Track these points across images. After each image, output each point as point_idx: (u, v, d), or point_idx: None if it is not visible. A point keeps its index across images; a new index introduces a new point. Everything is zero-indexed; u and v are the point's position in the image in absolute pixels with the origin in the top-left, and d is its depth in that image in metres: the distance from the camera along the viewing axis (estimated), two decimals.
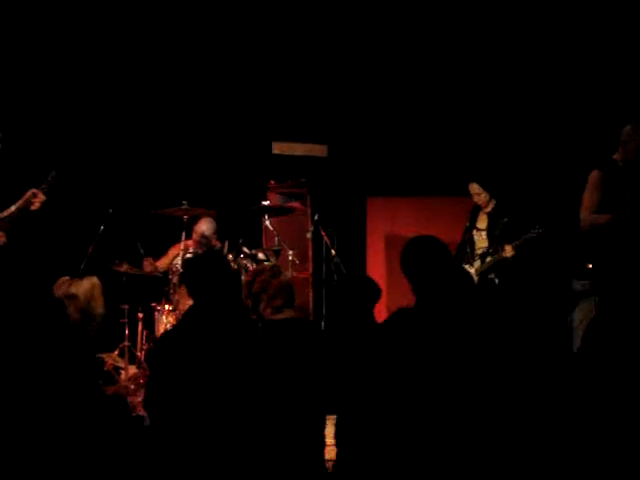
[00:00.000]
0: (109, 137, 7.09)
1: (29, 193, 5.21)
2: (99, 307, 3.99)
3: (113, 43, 6.89)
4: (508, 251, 6.14)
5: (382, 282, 8.06)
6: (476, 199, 6.40)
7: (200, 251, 6.28)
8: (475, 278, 6.31)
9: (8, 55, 6.49)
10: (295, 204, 7.26)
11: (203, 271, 3.56)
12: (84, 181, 6.81)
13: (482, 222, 6.50)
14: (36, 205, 5.22)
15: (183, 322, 3.78)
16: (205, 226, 6.49)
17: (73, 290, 4.04)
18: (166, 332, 5.23)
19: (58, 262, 5.88)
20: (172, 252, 6.51)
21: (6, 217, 5.17)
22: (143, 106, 7.19)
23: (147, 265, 6.37)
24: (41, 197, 5.23)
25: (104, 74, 6.97)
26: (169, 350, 3.38)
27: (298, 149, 7.98)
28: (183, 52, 7.17)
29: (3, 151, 5.19)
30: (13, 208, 5.21)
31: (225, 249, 6.30)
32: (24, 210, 5.22)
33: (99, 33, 6.80)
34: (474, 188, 6.40)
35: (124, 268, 6.16)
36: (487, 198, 6.36)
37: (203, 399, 3.16)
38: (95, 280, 4.26)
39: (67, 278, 4.26)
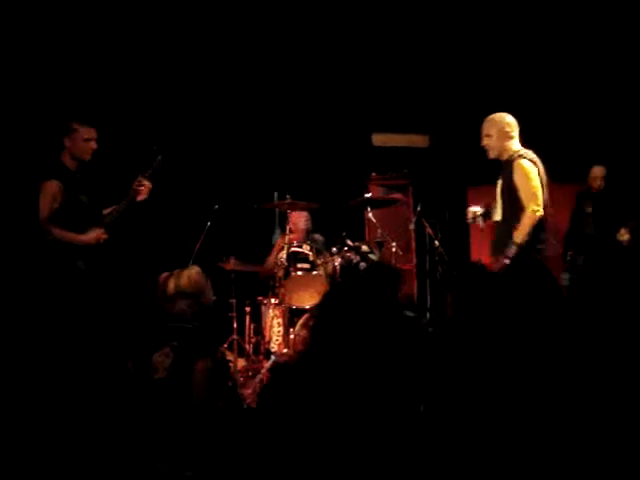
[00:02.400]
0: (213, 133, 7.23)
1: (135, 182, 5.14)
2: (208, 294, 4.06)
3: (216, 39, 7.02)
4: (623, 234, 5.98)
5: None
6: (597, 183, 6.25)
7: (303, 244, 6.37)
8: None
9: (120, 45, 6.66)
10: (397, 195, 7.24)
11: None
12: (189, 178, 6.97)
13: (589, 207, 6.36)
14: (143, 194, 5.15)
15: None
16: (303, 220, 6.62)
17: (180, 283, 4.12)
18: None
19: (165, 260, 6.03)
20: (277, 247, 6.60)
21: (112, 211, 5.13)
22: (248, 101, 7.30)
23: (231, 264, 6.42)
24: (147, 184, 5.14)
25: (207, 69, 7.10)
26: None
27: (399, 140, 7.95)
28: (281, 46, 7.23)
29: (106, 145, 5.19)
30: (122, 203, 5.15)
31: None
32: (132, 200, 5.14)
33: (196, 30, 6.94)
34: (601, 171, 6.25)
35: (231, 264, 6.28)
36: (603, 184, 6.21)
37: None
38: (197, 269, 4.34)
39: (166, 274, 4.34)
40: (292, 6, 7.07)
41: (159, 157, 5.21)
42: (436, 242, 6.83)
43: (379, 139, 7.90)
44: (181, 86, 7.03)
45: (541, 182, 4.96)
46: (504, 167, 5.13)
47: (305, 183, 7.04)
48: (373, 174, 7.72)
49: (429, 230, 6.87)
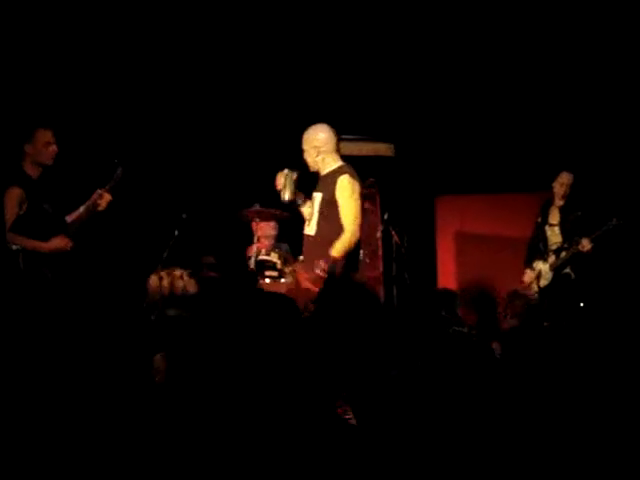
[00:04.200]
0: (179, 141, 7.20)
1: (95, 194, 5.10)
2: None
3: (189, 43, 6.99)
4: (585, 245, 6.03)
5: (453, 280, 8.05)
6: (562, 190, 6.29)
7: (272, 252, 6.36)
8: (550, 274, 6.23)
9: (73, 51, 6.59)
10: (364, 204, 7.25)
11: None
12: (157, 186, 6.93)
13: (554, 217, 6.43)
14: (102, 205, 5.10)
15: None
16: (270, 228, 6.64)
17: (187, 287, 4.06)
18: None
19: (134, 268, 5.99)
20: (247, 255, 6.59)
21: (74, 220, 5.11)
22: (212, 107, 7.28)
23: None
24: (107, 197, 5.10)
25: (177, 74, 7.07)
26: None
27: (365, 149, 7.98)
28: (252, 54, 7.23)
29: (68, 153, 5.15)
30: (81, 209, 5.13)
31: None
32: (92, 212, 5.11)
33: (181, 35, 6.91)
34: (569, 178, 6.28)
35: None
36: (569, 191, 6.27)
37: None
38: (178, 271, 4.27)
39: (157, 275, 4.26)
40: (261, 18, 7.09)
41: (119, 170, 5.17)
42: (403, 250, 6.89)
43: (345, 148, 7.91)
44: (154, 92, 7.00)
45: None
46: (322, 181, 5.09)
47: (273, 191, 7.03)
48: None
49: (396, 238, 6.92)
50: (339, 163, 5.16)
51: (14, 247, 4.76)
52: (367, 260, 6.66)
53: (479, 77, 7.53)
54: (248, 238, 6.53)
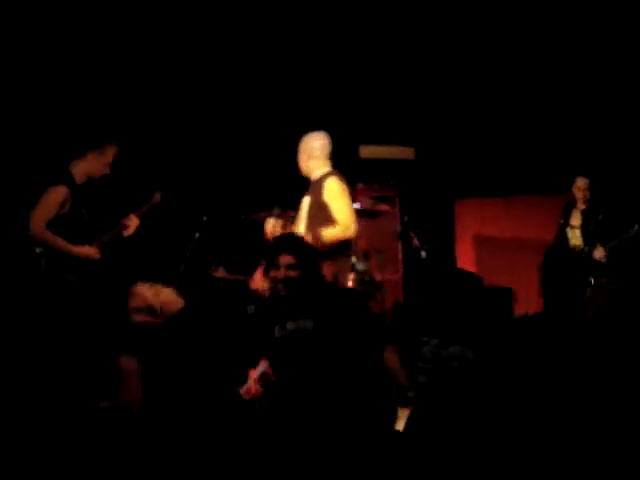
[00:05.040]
0: (200, 146, 7.24)
1: (125, 219, 5.08)
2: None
3: (201, 53, 7.04)
4: (598, 254, 6.02)
5: None
6: (580, 194, 6.29)
7: None
8: None
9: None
10: (384, 207, 7.27)
11: None
12: (179, 190, 6.97)
13: (576, 219, 6.41)
14: (130, 230, 5.09)
15: None
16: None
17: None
18: None
19: (155, 270, 6.02)
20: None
21: (103, 237, 5.04)
22: (231, 112, 7.31)
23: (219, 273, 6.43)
24: (136, 222, 5.09)
25: (203, 81, 7.12)
26: None
27: (385, 152, 7.99)
28: (270, 58, 7.26)
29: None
30: (110, 233, 5.07)
31: None
32: (118, 234, 5.08)
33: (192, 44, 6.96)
34: (584, 183, 6.28)
35: (220, 274, 6.29)
36: (589, 195, 6.26)
37: None
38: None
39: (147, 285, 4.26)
40: (279, 19, 7.11)
41: (157, 196, 5.18)
42: (422, 253, 6.88)
43: (366, 151, 7.94)
44: (168, 96, 7.05)
45: None
46: (312, 186, 5.16)
47: (294, 194, 7.05)
48: (360, 185, 7.76)
49: (415, 241, 6.92)
50: (329, 169, 5.20)
51: (37, 250, 4.78)
52: (386, 264, 6.68)
53: (498, 82, 7.52)
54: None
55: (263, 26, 7.03)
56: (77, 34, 6.12)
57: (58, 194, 4.75)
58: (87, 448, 2.81)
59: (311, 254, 3.96)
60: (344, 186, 5.10)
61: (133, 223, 5.09)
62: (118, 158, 5.06)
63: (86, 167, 4.90)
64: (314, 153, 5.23)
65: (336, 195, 5.03)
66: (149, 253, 6.67)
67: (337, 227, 4.93)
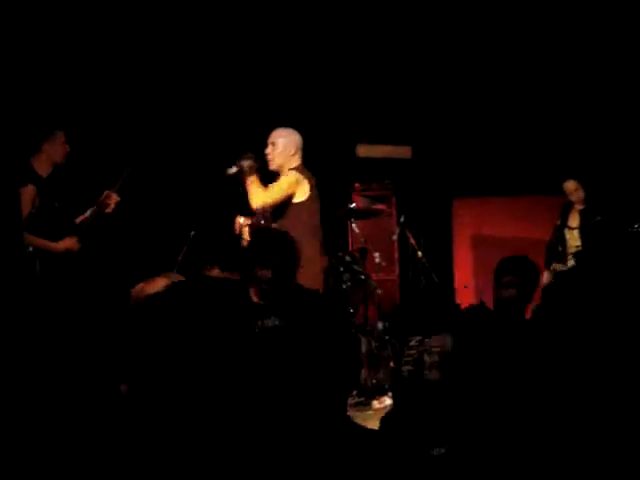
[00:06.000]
0: (194, 143, 7.20)
1: (103, 195, 5.10)
2: None
3: (200, 45, 6.99)
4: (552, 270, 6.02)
5: (469, 283, 8.01)
6: (573, 197, 6.28)
7: None
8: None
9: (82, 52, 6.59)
10: (381, 206, 7.24)
11: None
12: (173, 188, 6.93)
13: (574, 220, 6.37)
14: (111, 207, 5.10)
15: None
16: None
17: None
18: None
19: (150, 268, 5.99)
20: None
21: (83, 221, 5.09)
22: (229, 111, 7.28)
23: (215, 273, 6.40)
24: (115, 198, 5.10)
25: (192, 81, 7.08)
26: None
27: (382, 151, 7.96)
28: (265, 57, 7.22)
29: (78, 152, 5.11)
30: (88, 212, 5.12)
31: None
32: (99, 213, 5.10)
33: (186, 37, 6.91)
34: (571, 185, 6.26)
35: (215, 273, 6.24)
36: (583, 195, 6.23)
37: None
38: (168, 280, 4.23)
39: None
40: (276, 18, 7.07)
41: (127, 170, 5.17)
42: (419, 253, 6.84)
43: (363, 150, 7.91)
44: (163, 96, 7.00)
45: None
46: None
47: None
48: (357, 184, 7.73)
49: (412, 241, 6.89)
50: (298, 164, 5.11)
51: (30, 249, 4.76)
52: (383, 263, 6.64)
53: (497, 80, 7.48)
54: None
55: (260, 25, 7.00)
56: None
57: (27, 194, 4.75)
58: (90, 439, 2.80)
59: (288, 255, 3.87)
60: (300, 182, 4.95)
61: (112, 200, 5.10)
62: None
63: (46, 158, 4.92)
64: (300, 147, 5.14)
65: (282, 181, 4.94)
66: (144, 252, 6.64)
67: (261, 191, 4.86)
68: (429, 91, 7.67)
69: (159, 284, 4.09)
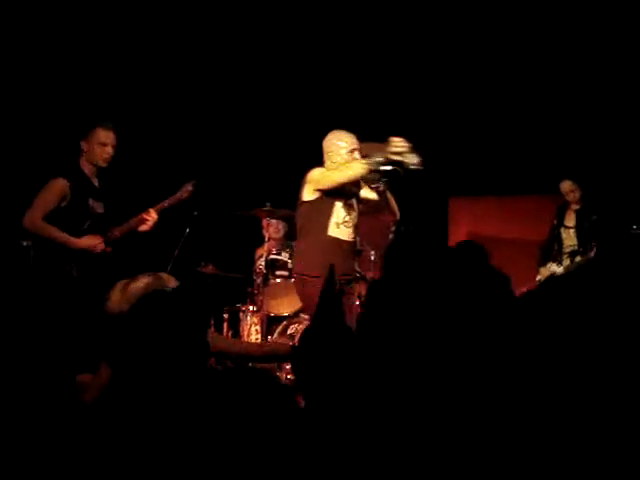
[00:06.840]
0: (192, 140, 7.19)
1: (143, 213, 4.97)
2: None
3: (202, 51, 7.00)
4: (594, 253, 6.00)
5: None
6: (569, 197, 6.29)
7: (283, 252, 6.34)
8: None
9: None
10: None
11: None
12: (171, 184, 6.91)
13: (570, 220, 6.38)
14: (147, 226, 4.98)
15: None
16: (280, 228, 6.63)
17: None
18: None
19: (144, 265, 5.95)
20: (257, 254, 6.58)
21: (119, 229, 4.96)
22: (232, 109, 7.28)
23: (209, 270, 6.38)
24: (154, 216, 4.97)
25: (196, 75, 7.09)
26: None
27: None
28: (266, 57, 7.22)
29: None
30: (125, 226, 4.98)
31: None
32: (134, 228, 5.00)
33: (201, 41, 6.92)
34: (567, 186, 6.28)
35: (209, 270, 6.24)
36: (579, 195, 6.23)
37: None
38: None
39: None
40: (277, 21, 7.07)
41: (188, 187, 5.11)
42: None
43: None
44: (173, 90, 7.01)
45: None
46: None
47: (286, 191, 7.01)
48: None
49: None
50: None
51: (24, 243, 4.72)
52: (379, 261, 6.62)
53: (492, 80, 7.48)
54: (257, 237, 6.51)
55: (260, 26, 7.01)
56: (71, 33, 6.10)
57: (56, 186, 4.73)
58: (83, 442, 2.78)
59: None
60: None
61: (151, 218, 4.98)
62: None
63: (85, 158, 4.88)
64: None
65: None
66: (138, 248, 6.62)
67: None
68: (424, 90, 7.66)
69: (143, 281, 4.04)
